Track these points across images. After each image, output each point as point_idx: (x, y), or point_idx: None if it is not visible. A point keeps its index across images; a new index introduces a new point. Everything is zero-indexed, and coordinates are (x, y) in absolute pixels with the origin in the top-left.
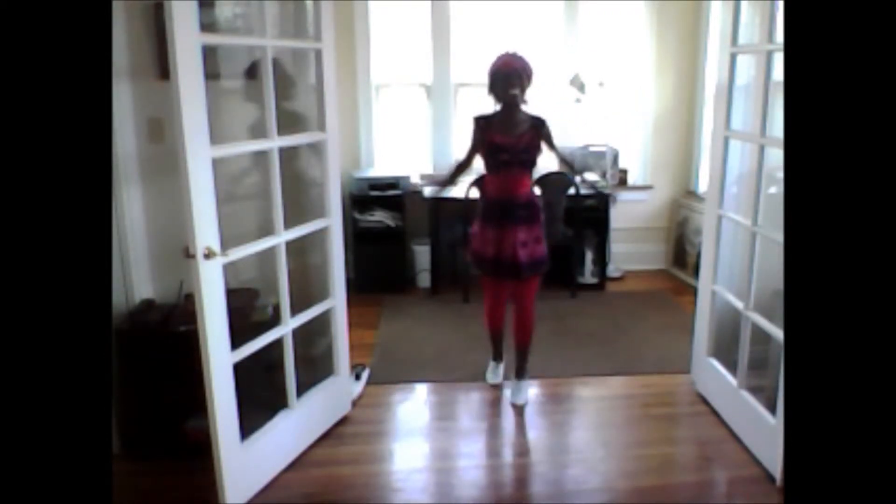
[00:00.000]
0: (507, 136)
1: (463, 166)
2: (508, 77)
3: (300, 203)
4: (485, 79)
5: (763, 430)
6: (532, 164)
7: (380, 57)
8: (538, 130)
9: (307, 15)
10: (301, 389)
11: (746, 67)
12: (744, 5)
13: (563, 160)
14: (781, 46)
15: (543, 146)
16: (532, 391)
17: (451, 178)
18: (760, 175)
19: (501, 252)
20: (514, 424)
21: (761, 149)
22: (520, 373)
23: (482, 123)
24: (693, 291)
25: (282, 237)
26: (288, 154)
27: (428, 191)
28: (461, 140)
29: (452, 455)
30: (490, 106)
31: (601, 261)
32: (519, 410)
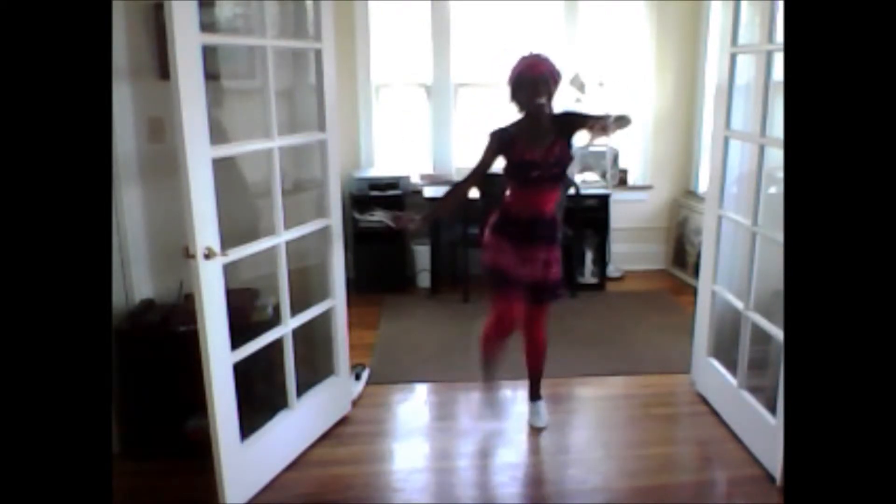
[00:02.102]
0: (537, 149)
1: (466, 187)
2: (535, 83)
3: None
4: (485, 78)
5: (763, 430)
6: (563, 176)
7: (380, 57)
8: (569, 128)
9: (307, 15)
10: (301, 389)
11: (746, 67)
12: (744, 5)
13: (603, 124)
14: (781, 46)
15: (581, 139)
16: None
17: (452, 204)
18: (760, 175)
19: (520, 268)
20: (513, 424)
21: (761, 149)
22: (535, 395)
23: (505, 139)
24: (693, 291)
25: (282, 237)
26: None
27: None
28: (461, 140)
29: (452, 455)
30: (493, 111)
31: (601, 261)
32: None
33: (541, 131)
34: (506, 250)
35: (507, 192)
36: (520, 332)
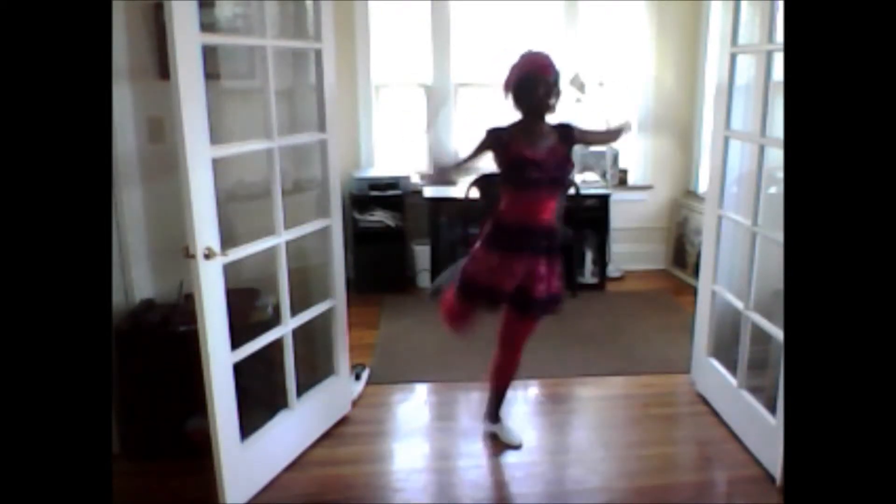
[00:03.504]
0: (537, 149)
1: (468, 162)
2: (547, 81)
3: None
4: (485, 78)
5: (763, 430)
6: (564, 184)
7: (380, 57)
8: (569, 139)
9: (307, 15)
10: (301, 389)
11: (746, 67)
12: (744, 5)
13: (607, 135)
14: (781, 46)
15: (579, 149)
16: (532, 391)
17: (457, 169)
18: (760, 175)
19: (505, 281)
20: (514, 425)
21: (761, 149)
22: (495, 416)
23: (503, 137)
24: (693, 291)
25: (282, 237)
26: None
27: (435, 171)
28: (461, 140)
29: (452, 455)
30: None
31: (601, 261)
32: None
33: (542, 133)
34: (492, 265)
35: (503, 201)
36: (498, 344)
